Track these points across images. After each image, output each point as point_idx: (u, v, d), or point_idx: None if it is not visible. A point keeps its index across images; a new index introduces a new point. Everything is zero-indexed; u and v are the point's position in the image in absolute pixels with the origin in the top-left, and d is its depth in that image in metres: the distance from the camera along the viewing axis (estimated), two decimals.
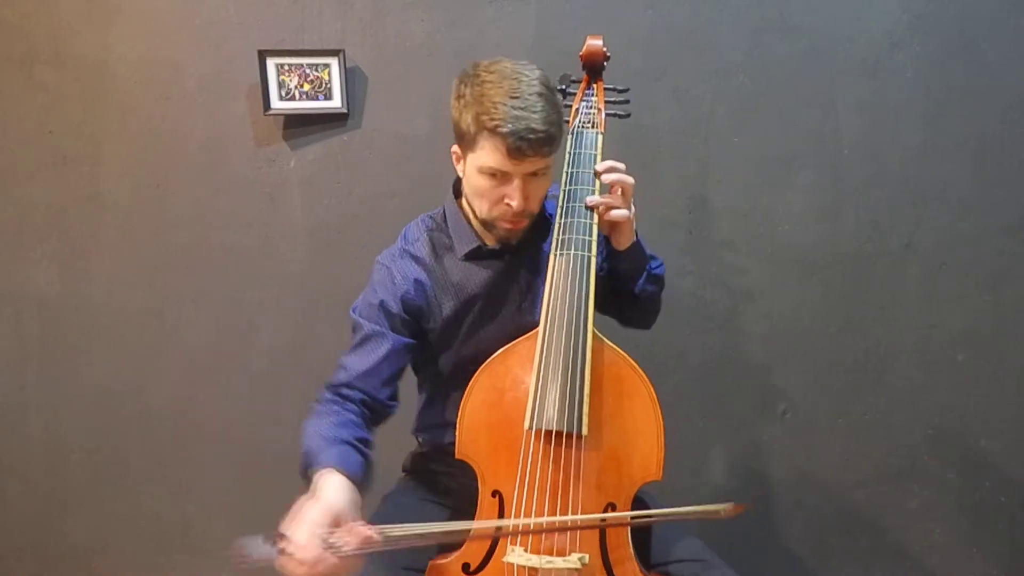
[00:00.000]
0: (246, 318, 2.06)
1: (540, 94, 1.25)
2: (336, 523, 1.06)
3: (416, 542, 1.14)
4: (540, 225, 1.42)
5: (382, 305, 1.37)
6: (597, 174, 1.36)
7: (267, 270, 2.05)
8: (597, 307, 1.53)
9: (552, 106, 1.26)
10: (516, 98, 1.23)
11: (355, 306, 1.41)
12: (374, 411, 1.35)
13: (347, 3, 1.95)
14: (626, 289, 1.44)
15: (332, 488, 1.13)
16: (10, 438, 2.10)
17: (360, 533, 1.05)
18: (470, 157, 1.30)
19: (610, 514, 1.24)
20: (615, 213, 1.34)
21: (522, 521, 1.22)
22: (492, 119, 1.22)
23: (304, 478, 1.21)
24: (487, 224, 1.36)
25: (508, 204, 1.29)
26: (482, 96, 1.24)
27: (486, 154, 1.26)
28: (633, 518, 1.25)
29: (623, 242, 1.38)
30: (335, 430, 1.24)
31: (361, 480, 1.20)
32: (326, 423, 1.26)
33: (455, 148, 1.35)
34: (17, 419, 2.10)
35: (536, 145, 1.23)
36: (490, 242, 1.40)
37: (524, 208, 1.29)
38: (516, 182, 1.27)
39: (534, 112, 1.22)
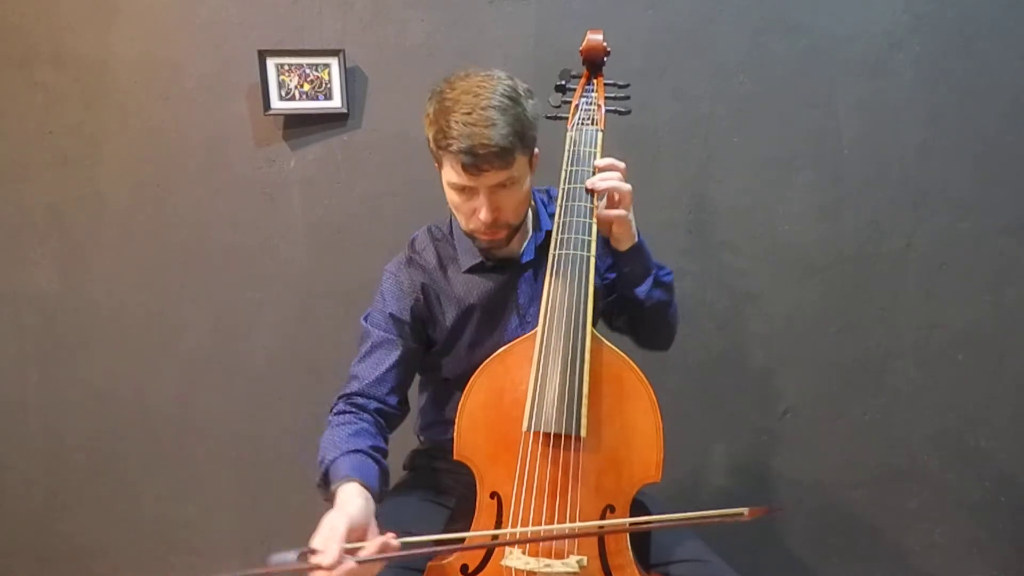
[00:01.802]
0: (246, 318, 2.06)
1: (497, 107, 1.24)
2: (356, 534, 1.09)
3: (433, 548, 1.17)
4: (544, 242, 1.42)
5: (392, 313, 1.41)
6: (596, 169, 1.36)
7: (267, 270, 2.05)
8: (609, 324, 1.53)
9: (511, 117, 1.24)
10: (468, 114, 1.23)
11: (366, 315, 1.44)
12: (387, 418, 1.38)
13: (347, 3, 1.95)
14: (632, 295, 1.41)
15: (352, 496, 1.15)
16: (10, 438, 2.10)
17: (378, 540, 1.09)
18: (441, 173, 1.33)
19: (633, 519, 1.24)
20: (608, 212, 1.34)
21: (533, 527, 1.21)
22: (445, 138, 1.24)
23: (321, 488, 1.24)
24: (470, 237, 1.38)
25: (479, 217, 1.31)
26: (439, 115, 1.26)
27: (448, 171, 1.29)
28: (632, 524, 1.25)
29: (623, 243, 1.38)
30: (350, 440, 1.27)
31: (377, 488, 1.22)
32: (341, 433, 1.29)
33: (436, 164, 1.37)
34: (17, 419, 2.10)
35: (489, 159, 1.23)
36: (493, 257, 1.41)
37: (494, 220, 1.30)
38: (482, 196, 1.29)
39: (486, 126, 1.22)
